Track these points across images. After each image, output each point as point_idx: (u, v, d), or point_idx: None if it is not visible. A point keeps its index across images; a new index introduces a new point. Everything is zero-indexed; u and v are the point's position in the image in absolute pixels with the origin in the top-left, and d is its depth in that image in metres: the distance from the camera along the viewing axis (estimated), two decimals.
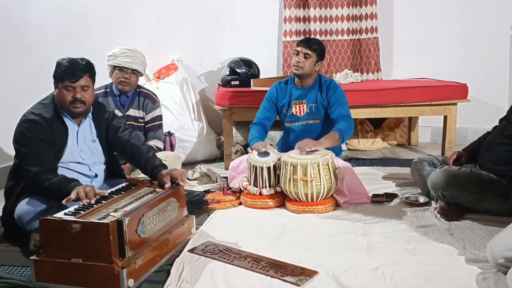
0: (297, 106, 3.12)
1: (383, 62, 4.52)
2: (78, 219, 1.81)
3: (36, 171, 2.16)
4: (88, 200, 2.01)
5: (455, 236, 2.27)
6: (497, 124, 2.74)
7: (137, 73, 3.17)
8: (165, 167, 2.38)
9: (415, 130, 4.54)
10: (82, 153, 2.39)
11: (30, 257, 1.85)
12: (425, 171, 2.82)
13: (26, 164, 2.19)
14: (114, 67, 3.13)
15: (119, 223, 1.78)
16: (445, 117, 3.89)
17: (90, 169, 2.42)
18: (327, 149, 2.81)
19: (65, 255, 1.79)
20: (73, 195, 2.00)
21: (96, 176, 2.45)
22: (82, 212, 1.91)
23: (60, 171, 2.29)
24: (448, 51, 4.46)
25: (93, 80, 2.35)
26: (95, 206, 1.98)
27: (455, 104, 3.85)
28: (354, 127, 3.01)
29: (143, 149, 2.44)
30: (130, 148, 2.44)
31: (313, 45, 3.02)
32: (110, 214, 1.91)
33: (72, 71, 2.23)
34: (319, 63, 3.07)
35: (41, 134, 2.21)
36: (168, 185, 2.24)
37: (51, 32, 3.65)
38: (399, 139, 4.53)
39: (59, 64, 2.27)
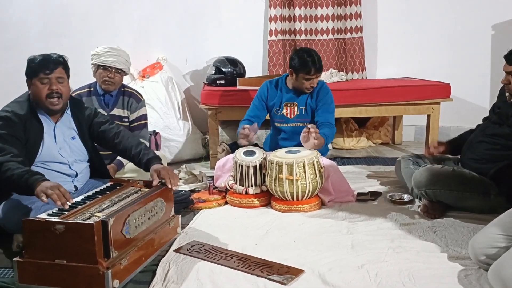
0: (288, 108, 3.11)
1: (368, 61, 4.56)
2: (62, 220, 1.79)
3: (2, 160, 2.07)
4: (68, 203, 1.92)
5: (438, 234, 2.31)
6: (481, 122, 2.79)
7: (121, 72, 3.14)
8: (158, 159, 2.35)
9: (399, 129, 4.58)
10: (61, 151, 2.36)
11: (13, 259, 1.82)
12: (409, 169, 2.86)
13: None
14: (98, 66, 3.09)
15: (103, 223, 1.77)
16: (428, 116, 3.94)
17: (70, 168, 2.38)
18: None
19: (49, 256, 1.77)
20: (44, 198, 1.90)
21: (77, 175, 2.41)
22: (66, 212, 1.89)
23: (40, 171, 2.25)
24: (431, 51, 4.52)
25: (68, 75, 2.34)
26: (79, 206, 1.96)
27: (438, 103, 3.90)
28: (334, 135, 3.05)
29: (135, 140, 2.43)
30: (121, 140, 2.40)
31: (321, 65, 2.98)
32: (95, 214, 1.89)
33: (46, 63, 2.24)
34: None
35: (13, 130, 2.18)
36: (155, 182, 2.22)
37: (32, 30, 3.60)
38: (383, 138, 4.57)
39: (31, 61, 2.28)
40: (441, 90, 3.90)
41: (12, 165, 2.05)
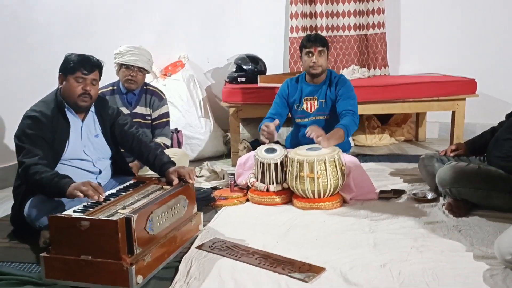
0: (308, 102, 3.11)
1: (390, 57, 4.50)
2: (87, 217, 1.83)
3: (29, 163, 2.14)
4: (99, 196, 2.00)
5: (463, 233, 2.27)
6: (504, 119, 2.72)
7: (143, 70, 3.18)
8: (173, 163, 2.39)
9: (423, 125, 4.51)
10: (85, 149, 2.41)
11: (40, 254, 1.87)
12: (432, 167, 2.81)
13: (21, 156, 2.20)
14: (121, 65, 3.14)
15: (127, 220, 1.80)
16: (453, 113, 3.87)
17: (94, 165, 2.43)
18: (335, 145, 2.81)
19: (74, 252, 1.81)
20: (79, 193, 1.98)
21: (100, 172, 2.46)
22: (91, 209, 1.93)
23: (64, 168, 2.31)
24: (456, 45, 4.43)
25: (100, 78, 2.42)
26: (104, 203, 2.00)
27: (463, 99, 3.82)
28: (359, 123, 2.99)
29: (151, 146, 2.45)
30: (138, 145, 2.45)
31: (322, 40, 3.04)
32: (119, 211, 1.93)
33: (86, 63, 2.30)
34: (328, 58, 3.11)
35: (40, 131, 2.24)
36: (175, 182, 2.25)
37: (56, 31, 3.66)
38: (406, 135, 4.51)
39: (68, 58, 2.33)
40: (466, 86, 3.82)
41: (40, 168, 2.13)
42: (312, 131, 2.74)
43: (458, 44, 4.42)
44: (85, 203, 2.02)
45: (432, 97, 3.81)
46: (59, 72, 2.36)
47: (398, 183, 3.10)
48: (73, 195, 2.01)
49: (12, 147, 3.36)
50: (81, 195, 1.99)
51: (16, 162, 2.27)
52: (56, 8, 3.68)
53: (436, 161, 2.84)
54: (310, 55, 3.01)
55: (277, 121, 2.99)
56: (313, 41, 3.01)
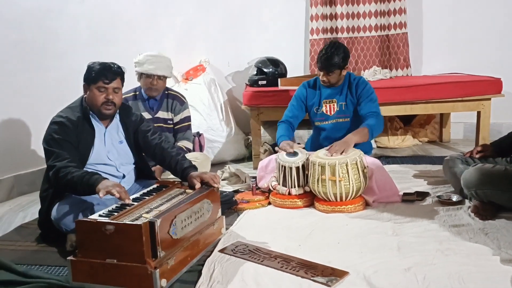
0: (328, 105, 3.10)
1: (413, 57, 4.44)
2: (112, 221, 1.86)
3: (60, 166, 2.21)
4: (123, 201, 2.06)
5: (489, 236, 2.22)
6: None
7: (163, 78, 3.21)
8: (195, 168, 2.42)
9: (447, 126, 4.44)
10: (109, 154, 2.46)
11: (67, 258, 1.91)
12: (458, 169, 2.76)
13: (51, 160, 2.26)
14: (141, 74, 3.18)
15: (151, 224, 1.82)
16: (479, 113, 3.79)
17: (117, 170, 2.48)
18: (356, 147, 2.79)
19: (100, 256, 1.85)
20: (101, 194, 2.05)
21: (124, 176, 2.50)
22: (115, 213, 1.96)
23: None
24: (480, 44, 4.34)
25: (123, 84, 2.46)
26: (128, 208, 2.03)
27: (489, 99, 3.74)
28: (384, 125, 2.97)
29: (173, 151, 2.49)
30: (160, 151, 2.49)
31: (330, 66, 2.93)
32: (143, 215, 1.95)
33: (107, 73, 2.34)
34: (345, 68, 3.01)
35: (66, 135, 2.30)
36: (198, 186, 2.27)
37: (80, 39, 3.74)
38: (430, 136, 4.44)
39: (91, 67, 2.37)
40: (492, 86, 3.74)
41: (70, 169, 2.20)
42: (334, 151, 2.70)
43: (482, 42, 4.34)
44: (110, 208, 2.06)
45: (457, 98, 3.74)
46: (83, 81, 2.40)
47: (422, 185, 3.06)
48: (98, 193, 2.07)
49: (40, 152, 3.46)
50: (102, 195, 2.05)
51: (43, 166, 2.33)
52: (80, 17, 3.77)
53: (461, 163, 2.79)
54: (321, 74, 3.01)
55: (296, 145, 2.96)
56: (323, 67, 2.96)
